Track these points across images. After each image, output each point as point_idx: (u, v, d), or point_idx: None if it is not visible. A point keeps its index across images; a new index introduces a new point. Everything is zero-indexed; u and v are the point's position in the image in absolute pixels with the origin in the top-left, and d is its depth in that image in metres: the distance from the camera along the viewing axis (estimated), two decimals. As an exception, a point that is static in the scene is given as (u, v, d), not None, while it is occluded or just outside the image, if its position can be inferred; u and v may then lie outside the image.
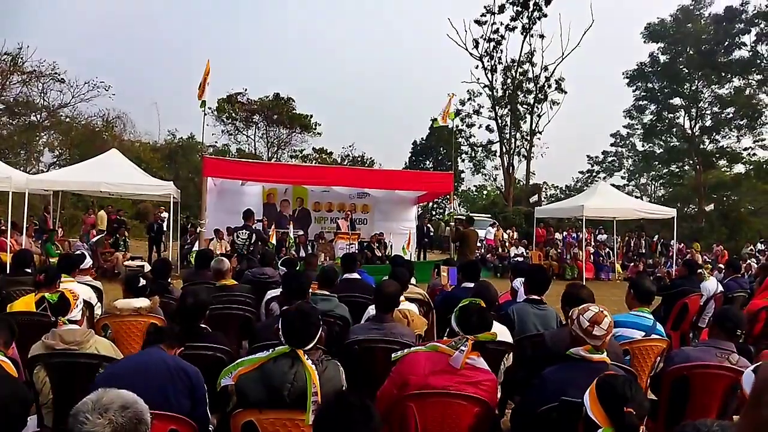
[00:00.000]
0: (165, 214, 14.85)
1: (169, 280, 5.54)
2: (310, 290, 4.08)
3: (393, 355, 2.80)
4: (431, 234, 19.78)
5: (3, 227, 12.20)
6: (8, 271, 7.99)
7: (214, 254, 6.83)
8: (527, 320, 3.96)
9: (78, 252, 7.03)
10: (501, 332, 3.58)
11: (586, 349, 2.54)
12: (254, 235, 8.93)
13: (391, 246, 14.89)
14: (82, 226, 15.99)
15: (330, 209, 16.22)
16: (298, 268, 6.20)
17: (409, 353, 2.73)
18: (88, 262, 5.54)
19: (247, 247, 8.78)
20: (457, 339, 2.70)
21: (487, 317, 2.80)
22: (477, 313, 2.76)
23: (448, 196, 15.46)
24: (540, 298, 4.08)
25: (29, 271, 5.61)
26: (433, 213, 34.57)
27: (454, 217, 16.15)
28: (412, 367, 2.65)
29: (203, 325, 3.45)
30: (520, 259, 16.27)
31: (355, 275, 5.59)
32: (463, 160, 37.65)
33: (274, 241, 12.20)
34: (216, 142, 35.31)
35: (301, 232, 14.66)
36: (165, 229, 14.90)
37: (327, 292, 4.35)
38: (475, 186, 44.43)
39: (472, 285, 4.59)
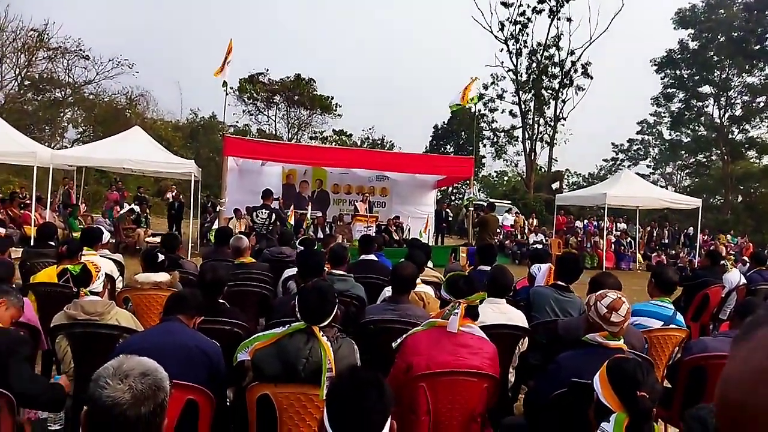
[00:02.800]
0: (170, 194, 15.12)
1: (179, 254, 5.61)
2: (326, 270, 4.12)
3: (393, 344, 2.82)
4: (449, 219, 19.75)
5: (28, 201, 12.47)
6: (32, 244, 8.19)
7: (234, 232, 6.91)
8: (544, 305, 3.97)
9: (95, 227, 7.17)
10: (517, 317, 3.59)
11: (602, 335, 2.53)
12: (273, 214, 9.00)
13: (409, 229, 14.90)
14: (105, 202, 16.26)
15: (348, 191, 16.28)
16: (315, 248, 6.24)
17: (408, 337, 2.76)
18: (106, 236, 5.67)
19: (267, 226, 8.85)
20: (449, 306, 2.77)
21: (473, 282, 2.93)
22: (463, 279, 2.91)
23: (468, 181, 15.36)
24: (566, 285, 4.09)
25: (53, 243, 5.73)
26: (453, 198, 34.45)
27: (474, 202, 16.09)
28: (413, 348, 2.68)
29: (222, 301, 3.51)
30: (540, 246, 16.18)
31: (372, 257, 5.60)
32: (484, 145, 37.38)
33: (292, 222, 12.28)
34: (237, 122, 35.56)
35: (319, 214, 14.74)
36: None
37: (343, 272, 4.38)
38: (496, 171, 44.18)
39: (488, 268, 4.58)
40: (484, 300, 3.04)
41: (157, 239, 12.11)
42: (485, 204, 15.78)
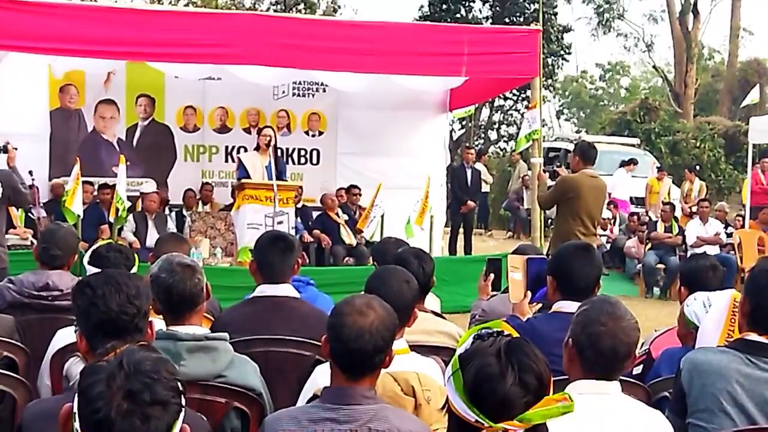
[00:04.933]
0: None
1: None
2: (157, 323, 4.11)
3: None
4: (484, 188, 19.91)
5: None
6: None
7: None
8: (719, 392, 4.02)
9: None
10: (648, 425, 3.61)
11: None
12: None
13: (382, 219, 14.97)
14: None
15: (223, 126, 16.35)
16: (135, 270, 6.23)
17: None
18: None
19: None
20: None
21: (538, 359, 2.64)
22: (508, 357, 2.60)
23: (528, 92, 15.48)
24: None
25: None
26: (491, 135, 34.80)
27: (544, 143, 16.24)
28: None
29: None
30: (713, 249, 16.37)
31: (286, 289, 5.65)
32: (568, 1, 37.78)
33: (77, 210, 12.25)
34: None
35: (149, 186, 14.70)
36: None
37: (203, 329, 4.40)
38: (600, 66, 44.72)
39: (575, 306, 4.57)
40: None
41: None
42: (573, 146, 15.86)
